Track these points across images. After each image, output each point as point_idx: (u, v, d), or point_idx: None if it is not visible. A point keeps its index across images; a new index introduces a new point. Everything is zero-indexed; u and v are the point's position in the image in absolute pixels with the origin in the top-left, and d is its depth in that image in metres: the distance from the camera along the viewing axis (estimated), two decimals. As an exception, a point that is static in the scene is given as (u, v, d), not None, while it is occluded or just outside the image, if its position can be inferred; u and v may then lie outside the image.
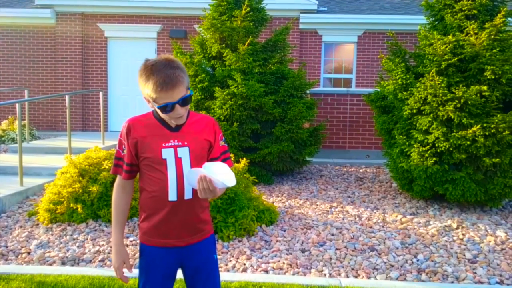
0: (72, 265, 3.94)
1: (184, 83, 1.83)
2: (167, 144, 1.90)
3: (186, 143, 1.92)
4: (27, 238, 4.49)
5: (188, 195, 1.90)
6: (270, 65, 7.31)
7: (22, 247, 4.26)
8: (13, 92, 11.95)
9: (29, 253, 4.16)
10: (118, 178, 2.01)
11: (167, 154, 1.89)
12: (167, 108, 1.82)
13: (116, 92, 12.09)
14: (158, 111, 1.87)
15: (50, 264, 3.94)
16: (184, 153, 1.91)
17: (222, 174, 1.74)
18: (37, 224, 4.85)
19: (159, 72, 1.79)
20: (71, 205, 4.83)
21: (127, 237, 4.47)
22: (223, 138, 2.06)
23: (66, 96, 7.81)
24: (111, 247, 4.28)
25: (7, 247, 4.28)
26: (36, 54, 12.10)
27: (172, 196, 1.89)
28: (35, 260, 3.98)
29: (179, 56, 7.12)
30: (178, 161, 1.90)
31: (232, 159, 5.33)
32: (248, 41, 6.77)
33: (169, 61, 1.84)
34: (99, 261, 3.99)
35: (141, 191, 1.97)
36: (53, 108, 12.18)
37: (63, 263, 3.97)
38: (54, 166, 6.60)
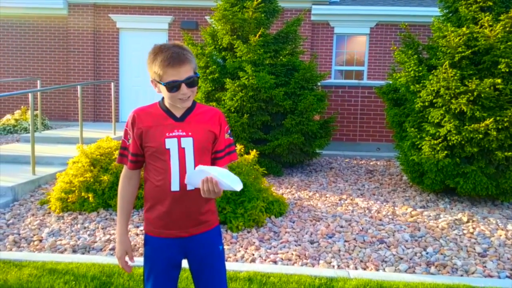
0: (83, 253, 3.99)
1: (191, 64, 1.84)
2: (171, 134, 1.89)
3: (190, 134, 1.90)
4: (39, 226, 4.55)
5: (190, 186, 1.90)
6: (281, 57, 7.28)
7: (34, 235, 4.32)
8: (26, 82, 12.07)
9: (40, 240, 4.22)
10: (124, 168, 2.01)
11: (171, 144, 1.88)
12: (173, 85, 1.81)
13: (128, 83, 12.14)
14: (164, 90, 1.86)
15: (61, 252, 3.99)
16: (187, 143, 1.89)
17: (230, 177, 1.71)
18: (49, 213, 4.91)
19: (168, 49, 1.82)
20: (83, 194, 4.88)
21: (138, 227, 4.51)
22: (229, 131, 2.05)
23: (78, 86, 7.86)
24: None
25: (19, 234, 4.34)
26: (48, 44, 12.18)
27: (175, 186, 1.88)
28: (47, 248, 4.04)
29: (190, 47, 7.12)
30: (181, 151, 1.88)
31: (242, 151, 5.33)
32: (259, 33, 6.75)
33: (178, 43, 1.88)
34: (110, 249, 4.03)
35: (145, 181, 1.97)
36: (65, 98, 12.29)
37: (74, 251, 4.02)
38: (66, 155, 6.66)
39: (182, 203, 1.90)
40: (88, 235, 4.34)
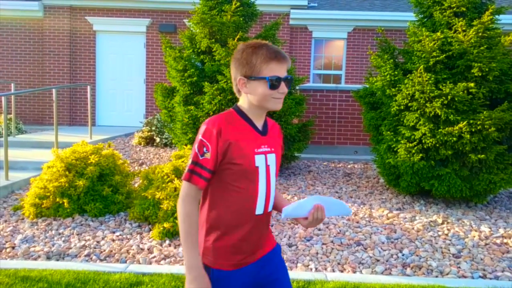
0: (57, 260, 3.91)
1: (289, 63, 1.71)
2: (259, 150, 1.68)
3: (273, 149, 1.73)
4: (11, 232, 4.45)
5: (270, 207, 1.75)
6: (259, 61, 7.27)
7: (6, 242, 4.22)
8: None
9: (13, 247, 4.12)
10: (190, 188, 1.64)
11: (260, 161, 1.68)
12: (276, 81, 1.63)
13: (104, 86, 11.98)
14: (260, 88, 1.64)
15: (35, 259, 3.90)
16: (272, 160, 1.72)
17: (337, 203, 1.68)
18: (22, 219, 4.80)
19: (267, 44, 1.67)
20: (57, 199, 4.79)
21: (114, 232, 4.45)
22: None
23: (53, 90, 7.73)
24: (97, 242, 4.25)
25: (-9, 241, 4.23)
26: (23, 47, 11.95)
27: (260, 209, 1.69)
28: (20, 255, 3.94)
29: (168, 51, 7.07)
30: (268, 169, 1.70)
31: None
32: (237, 36, 6.75)
33: None
34: (85, 255, 3.96)
35: (215, 205, 1.69)
36: (40, 102, 12.06)
37: (48, 258, 3.94)
38: (41, 160, 6.53)
39: (260, 227, 1.74)
40: (63, 241, 4.26)
